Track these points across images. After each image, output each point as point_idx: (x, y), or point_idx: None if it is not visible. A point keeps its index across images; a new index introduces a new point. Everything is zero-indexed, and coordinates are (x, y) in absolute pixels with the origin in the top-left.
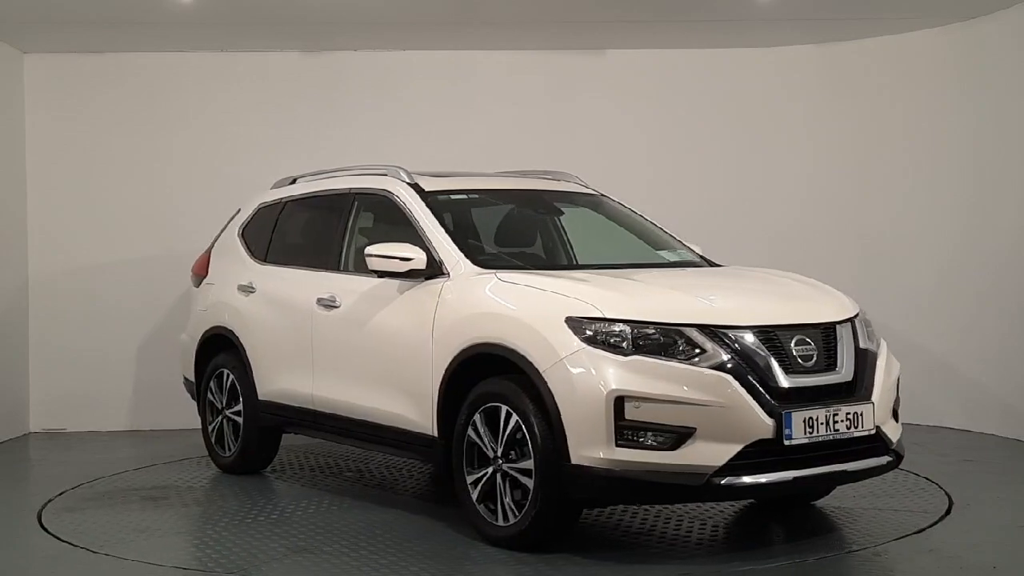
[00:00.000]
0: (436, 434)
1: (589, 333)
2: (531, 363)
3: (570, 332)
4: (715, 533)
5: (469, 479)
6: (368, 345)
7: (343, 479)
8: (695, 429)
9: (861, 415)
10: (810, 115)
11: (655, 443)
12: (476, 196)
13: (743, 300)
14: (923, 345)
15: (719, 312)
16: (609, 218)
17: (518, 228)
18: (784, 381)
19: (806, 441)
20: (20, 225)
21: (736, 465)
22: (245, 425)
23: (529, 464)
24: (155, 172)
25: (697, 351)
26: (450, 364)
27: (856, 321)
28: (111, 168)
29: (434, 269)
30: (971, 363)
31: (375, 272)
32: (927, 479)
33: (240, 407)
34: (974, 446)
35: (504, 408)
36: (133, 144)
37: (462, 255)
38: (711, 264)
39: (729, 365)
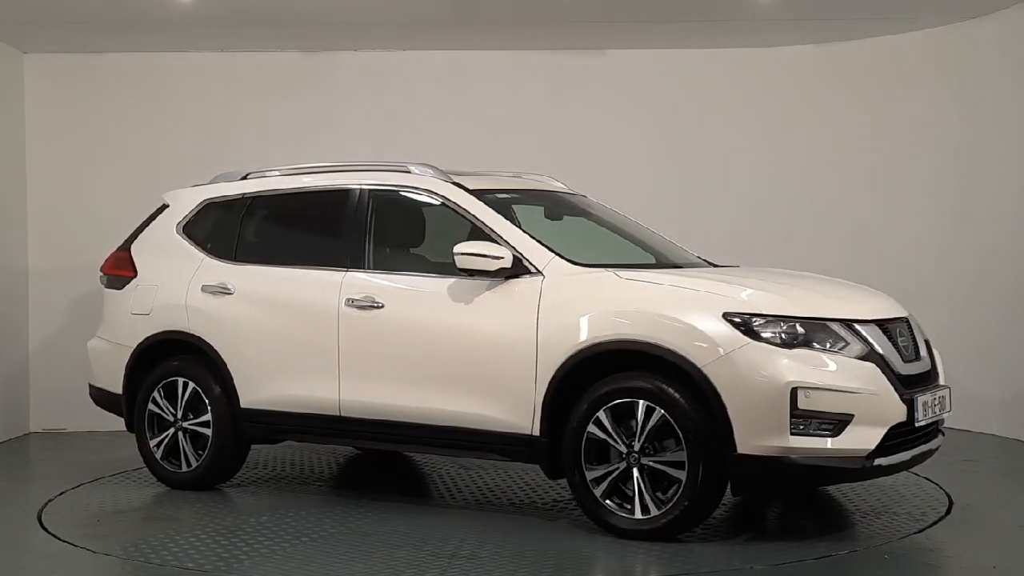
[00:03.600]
0: (538, 433)
1: (751, 328)
2: (686, 358)
3: (732, 328)
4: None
5: (590, 476)
6: (433, 346)
7: (320, 485)
8: (853, 416)
9: (946, 398)
10: (810, 115)
11: (822, 430)
12: (516, 195)
13: (847, 297)
14: None
15: (849, 307)
16: (600, 223)
17: None
18: (903, 369)
19: (925, 423)
20: (20, 224)
21: (881, 447)
22: (217, 437)
23: (680, 456)
24: (155, 172)
25: (841, 344)
26: (564, 362)
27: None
28: (111, 168)
29: (517, 268)
30: (971, 363)
31: (464, 271)
32: (927, 479)
33: (208, 417)
34: (974, 446)
35: (643, 403)
36: (133, 144)
37: (554, 254)
38: (711, 265)
39: (869, 356)
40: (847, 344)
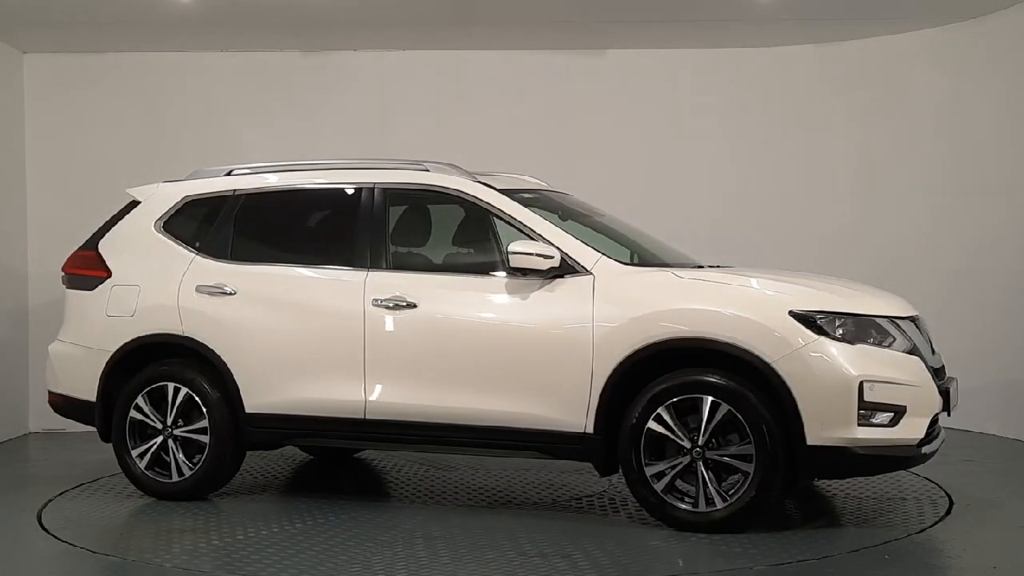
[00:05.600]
0: (591, 431)
1: (818, 325)
2: (756, 354)
3: (800, 325)
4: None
5: (650, 471)
6: (476, 345)
7: (317, 491)
8: (906, 407)
9: (957, 389)
10: (810, 115)
11: (883, 421)
12: (537, 195)
13: (880, 295)
14: None
15: (889, 305)
16: (588, 223)
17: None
18: (931, 362)
19: (951, 412)
20: (20, 225)
21: (926, 435)
22: (215, 443)
23: (748, 449)
24: (155, 172)
25: (890, 339)
26: (624, 360)
27: None
28: (111, 168)
29: (563, 267)
30: (971, 363)
31: (517, 270)
32: (927, 479)
33: (204, 424)
34: (974, 446)
35: (708, 399)
36: (133, 144)
37: (600, 254)
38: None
39: (913, 350)
40: (895, 340)
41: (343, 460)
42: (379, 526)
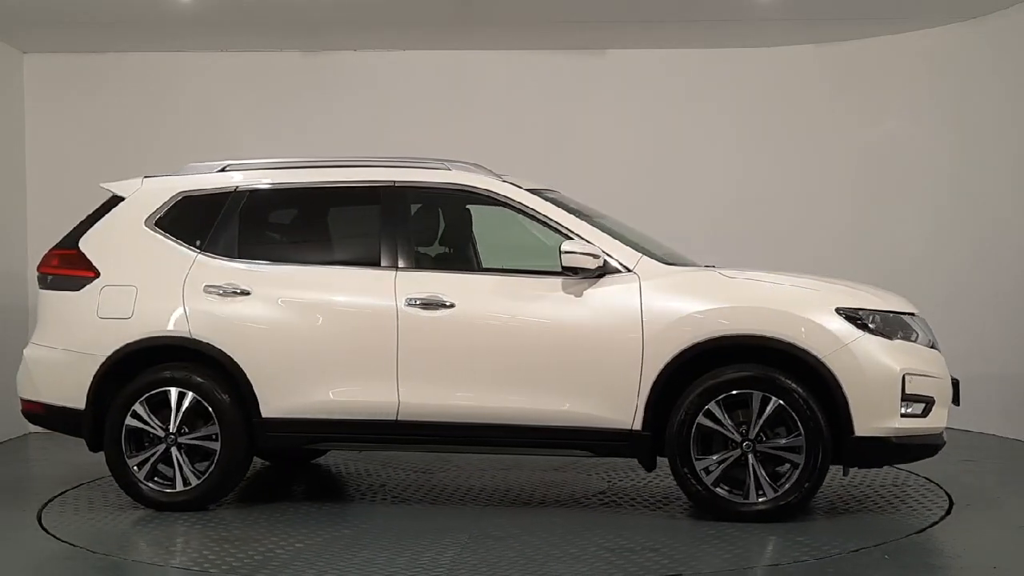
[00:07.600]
0: (639, 427)
1: (861, 322)
2: (807, 350)
3: (846, 322)
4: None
5: (700, 465)
6: (520, 345)
7: (323, 496)
8: (934, 398)
9: None
10: (810, 115)
11: (916, 412)
12: (553, 195)
13: (892, 294)
14: None
15: (903, 303)
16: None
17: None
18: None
19: (959, 403)
20: (20, 225)
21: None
22: (227, 450)
23: (798, 441)
24: (155, 172)
25: (915, 334)
26: (675, 358)
27: None
28: (111, 168)
29: (605, 267)
30: (971, 363)
31: (568, 269)
32: (927, 479)
33: (215, 429)
34: (974, 446)
35: (759, 394)
36: (133, 144)
37: (641, 253)
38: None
39: (933, 345)
40: (919, 335)
41: (302, 465)
42: (429, 529)
